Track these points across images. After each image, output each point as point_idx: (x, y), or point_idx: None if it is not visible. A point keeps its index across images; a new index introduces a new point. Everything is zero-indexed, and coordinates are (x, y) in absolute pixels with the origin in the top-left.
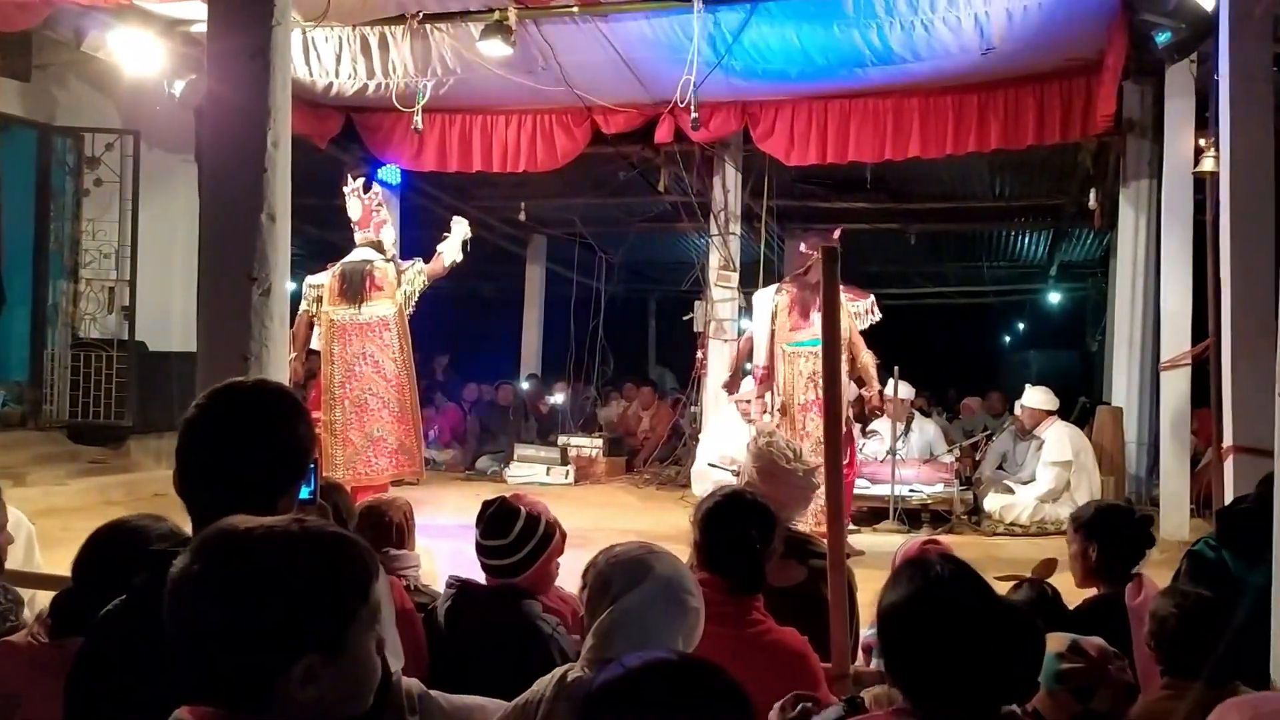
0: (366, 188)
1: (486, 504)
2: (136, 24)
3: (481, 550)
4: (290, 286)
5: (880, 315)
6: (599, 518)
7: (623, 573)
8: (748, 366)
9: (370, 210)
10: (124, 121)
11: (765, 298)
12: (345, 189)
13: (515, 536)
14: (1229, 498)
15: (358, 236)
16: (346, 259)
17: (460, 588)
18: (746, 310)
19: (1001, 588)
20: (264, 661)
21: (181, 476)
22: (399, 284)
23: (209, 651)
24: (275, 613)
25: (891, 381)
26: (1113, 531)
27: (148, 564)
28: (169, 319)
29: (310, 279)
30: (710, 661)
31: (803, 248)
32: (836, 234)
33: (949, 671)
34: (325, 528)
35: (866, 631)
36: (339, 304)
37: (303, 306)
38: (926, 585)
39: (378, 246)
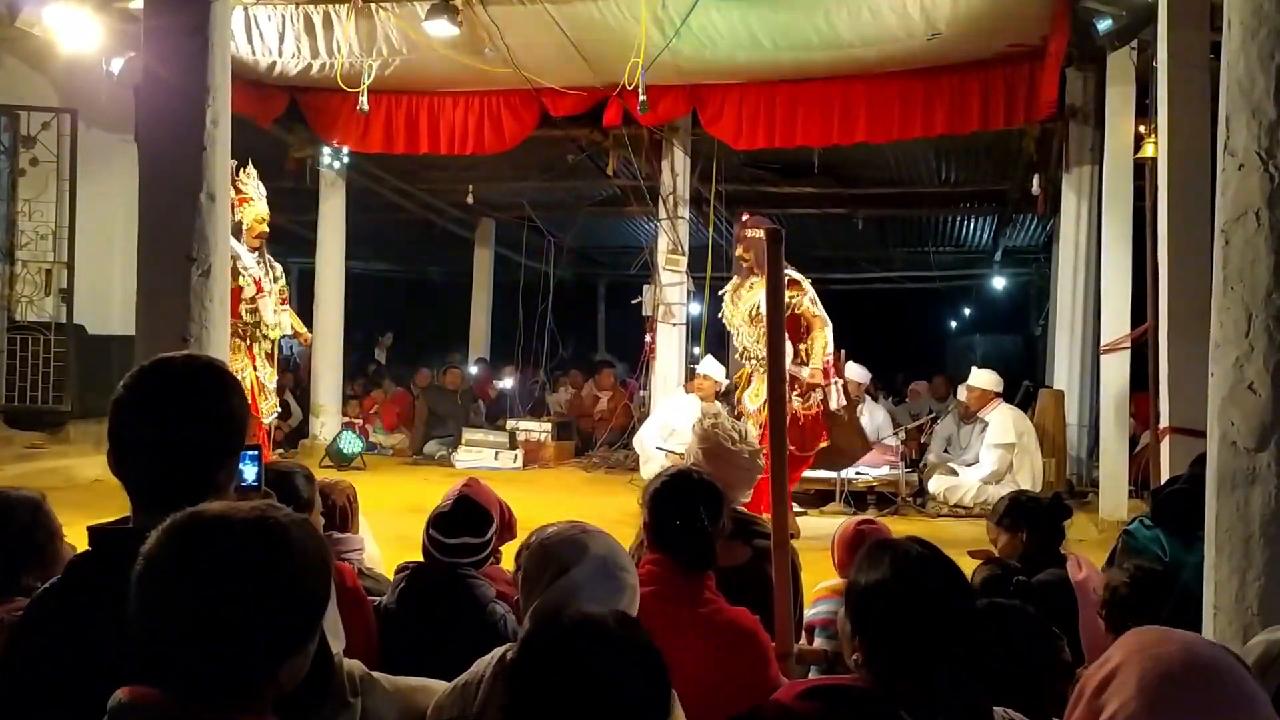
0: (237, 170)
1: (451, 511)
2: (73, 0)
3: (442, 548)
4: None
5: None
6: (546, 502)
7: (558, 553)
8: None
9: (236, 186)
10: (61, 100)
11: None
12: None
13: (487, 538)
14: (1165, 478)
15: None
16: None
17: (414, 572)
18: (696, 294)
19: (971, 564)
20: (264, 658)
21: (116, 455)
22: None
23: (202, 647)
24: (275, 611)
25: (851, 364)
26: (1033, 516)
27: (91, 540)
28: (109, 302)
29: None
30: (633, 618)
31: (749, 232)
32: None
33: (918, 649)
34: (295, 517)
35: (810, 611)
36: None
37: None
38: (905, 567)
39: (236, 229)
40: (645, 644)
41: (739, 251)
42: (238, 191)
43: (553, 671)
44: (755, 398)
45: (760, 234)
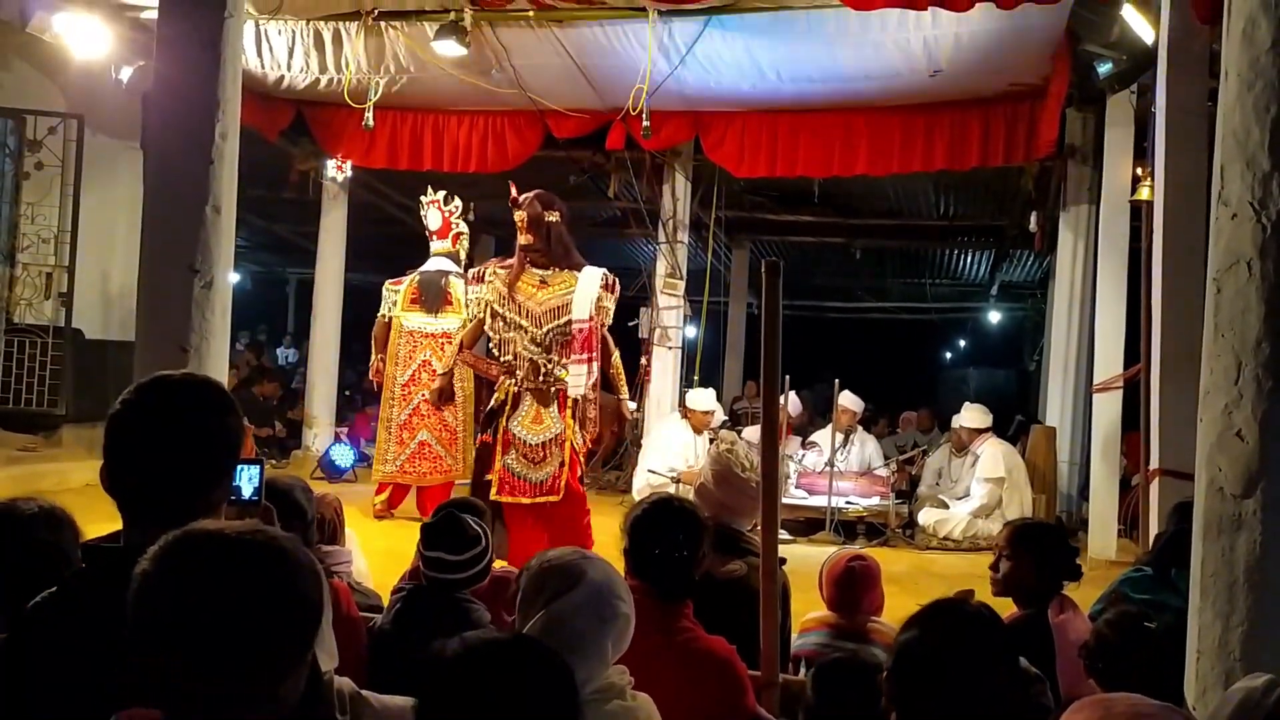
0: (448, 200)
1: (435, 526)
2: (83, 7)
3: (433, 564)
4: (235, 278)
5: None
6: None
7: (556, 577)
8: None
9: (450, 222)
10: (68, 105)
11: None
12: (423, 199)
13: (471, 555)
14: (1154, 519)
15: (434, 245)
16: (424, 268)
17: (409, 594)
18: (693, 318)
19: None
20: (267, 675)
21: (110, 470)
22: (465, 301)
23: (206, 666)
24: (277, 626)
25: (846, 393)
26: (1048, 550)
27: (84, 556)
28: (107, 307)
29: (389, 284)
30: (534, 639)
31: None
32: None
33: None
34: (284, 534)
35: (798, 641)
36: (413, 310)
37: (382, 310)
38: (954, 627)
39: (454, 257)
40: (540, 655)
41: (530, 239)
42: (458, 226)
43: (451, 704)
44: (536, 428)
45: (534, 212)
